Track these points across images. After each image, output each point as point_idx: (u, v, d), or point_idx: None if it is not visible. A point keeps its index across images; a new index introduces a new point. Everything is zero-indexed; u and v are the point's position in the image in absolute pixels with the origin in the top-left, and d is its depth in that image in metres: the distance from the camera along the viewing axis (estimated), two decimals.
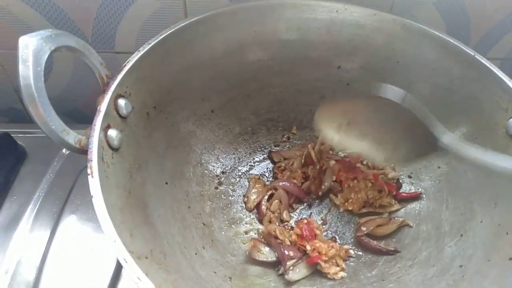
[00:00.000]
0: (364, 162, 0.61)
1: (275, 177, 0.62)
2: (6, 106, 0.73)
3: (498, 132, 0.48)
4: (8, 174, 0.60)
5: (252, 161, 0.63)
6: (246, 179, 0.61)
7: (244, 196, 0.59)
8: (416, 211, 0.57)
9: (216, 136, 0.60)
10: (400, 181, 0.60)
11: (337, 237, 0.57)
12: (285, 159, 0.63)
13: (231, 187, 0.60)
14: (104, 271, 0.51)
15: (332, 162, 0.60)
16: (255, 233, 0.56)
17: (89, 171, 0.36)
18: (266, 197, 0.58)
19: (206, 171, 0.58)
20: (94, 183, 0.36)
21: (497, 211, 0.46)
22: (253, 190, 0.59)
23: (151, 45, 0.47)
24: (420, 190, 0.58)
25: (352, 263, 0.53)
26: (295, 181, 0.60)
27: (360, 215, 0.58)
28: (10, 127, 0.67)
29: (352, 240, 0.56)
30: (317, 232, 0.54)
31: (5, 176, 0.60)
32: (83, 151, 0.38)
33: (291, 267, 0.51)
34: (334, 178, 0.59)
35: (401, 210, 0.58)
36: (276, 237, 0.53)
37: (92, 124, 0.39)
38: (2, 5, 0.58)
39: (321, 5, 0.55)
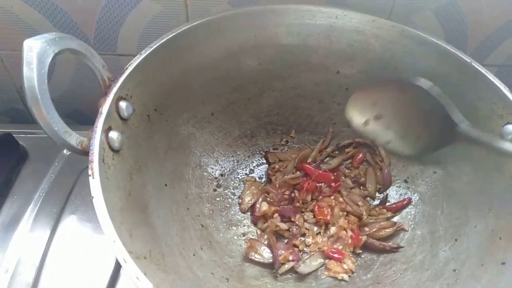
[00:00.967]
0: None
1: (269, 178, 0.62)
2: (8, 107, 0.73)
3: None
4: (9, 173, 0.61)
5: (251, 164, 0.64)
6: (243, 182, 0.62)
7: (239, 197, 0.60)
8: (412, 216, 0.57)
9: (216, 139, 0.61)
10: (396, 186, 0.61)
11: None
12: (280, 160, 0.64)
13: (229, 189, 0.60)
14: (103, 271, 0.52)
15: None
16: (253, 235, 0.57)
17: (90, 172, 0.37)
18: (260, 199, 0.59)
19: (205, 173, 0.59)
20: (95, 184, 0.36)
21: (491, 217, 0.47)
22: (248, 192, 0.60)
23: (152, 48, 0.48)
24: (408, 196, 0.59)
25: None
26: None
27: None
28: (12, 127, 0.68)
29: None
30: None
31: (6, 175, 0.60)
32: (85, 152, 0.39)
33: (303, 261, 0.53)
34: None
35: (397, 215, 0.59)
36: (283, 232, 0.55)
37: (94, 125, 0.40)
38: (6, 6, 0.59)
39: (321, 11, 0.56)
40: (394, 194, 0.61)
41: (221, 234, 0.55)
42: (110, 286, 0.51)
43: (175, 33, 0.50)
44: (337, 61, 0.59)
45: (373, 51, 0.57)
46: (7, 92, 0.70)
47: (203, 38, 0.53)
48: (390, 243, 0.55)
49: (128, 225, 0.38)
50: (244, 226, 0.58)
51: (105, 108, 0.41)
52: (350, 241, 0.55)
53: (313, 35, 0.58)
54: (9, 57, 0.65)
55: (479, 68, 0.50)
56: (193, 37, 0.52)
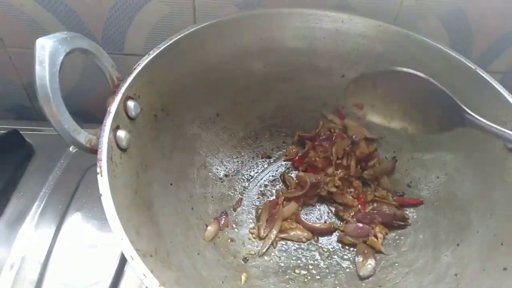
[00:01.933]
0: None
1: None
2: (16, 104, 0.74)
3: (496, 145, 0.49)
4: (15, 170, 0.61)
5: (255, 167, 0.64)
6: (253, 185, 0.62)
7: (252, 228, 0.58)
8: (414, 220, 0.58)
9: (221, 140, 0.61)
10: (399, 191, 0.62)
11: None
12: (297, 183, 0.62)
13: (234, 190, 0.61)
14: (107, 268, 0.52)
15: None
16: (255, 237, 0.57)
17: (98, 170, 0.37)
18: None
19: (210, 173, 0.59)
20: (103, 182, 0.37)
21: (493, 222, 0.47)
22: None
23: (160, 49, 0.48)
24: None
25: (347, 269, 0.54)
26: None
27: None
28: (18, 124, 0.68)
29: None
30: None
31: (12, 172, 0.61)
32: (93, 150, 0.39)
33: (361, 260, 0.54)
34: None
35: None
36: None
37: (102, 124, 0.40)
38: (16, 5, 0.59)
39: (327, 15, 0.57)
40: None
41: (225, 234, 0.56)
42: (114, 284, 0.51)
43: (182, 35, 0.51)
44: (342, 65, 0.60)
45: (378, 56, 0.58)
46: (14, 89, 0.71)
47: (210, 40, 0.54)
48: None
49: (135, 222, 0.38)
50: (248, 226, 0.58)
51: (113, 107, 0.42)
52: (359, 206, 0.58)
53: (319, 38, 0.58)
54: (16, 54, 0.66)
55: (484, 75, 0.51)
56: (200, 38, 0.53)
